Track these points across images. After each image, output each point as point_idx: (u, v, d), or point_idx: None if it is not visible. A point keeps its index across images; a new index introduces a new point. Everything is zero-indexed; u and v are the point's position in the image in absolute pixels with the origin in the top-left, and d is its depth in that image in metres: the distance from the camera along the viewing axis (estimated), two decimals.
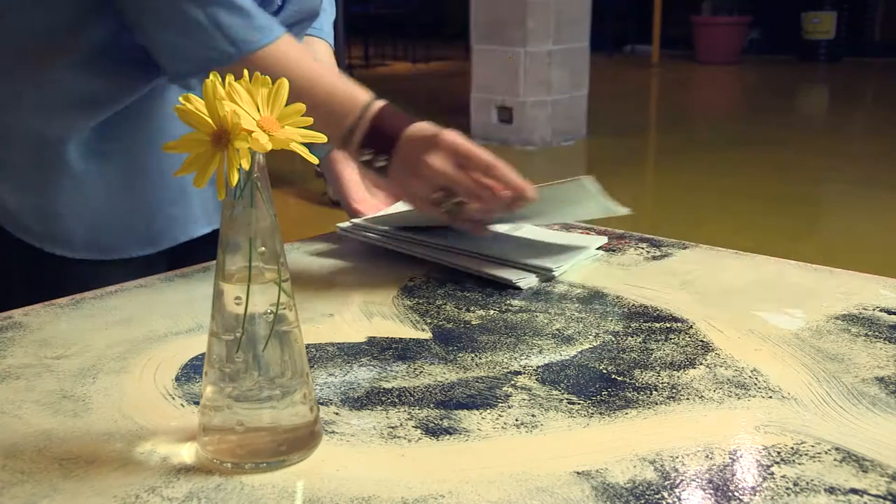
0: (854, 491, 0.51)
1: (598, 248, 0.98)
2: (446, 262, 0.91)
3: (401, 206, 1.02)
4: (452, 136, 0.85)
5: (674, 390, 0.64)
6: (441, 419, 0.60)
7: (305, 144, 0.53)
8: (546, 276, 0.89)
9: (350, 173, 1.04)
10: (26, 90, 0.88)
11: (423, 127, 0.87)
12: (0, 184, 0.91)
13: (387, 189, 0.96)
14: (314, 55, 1.07)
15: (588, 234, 1.03)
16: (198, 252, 0.98)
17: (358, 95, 0.88)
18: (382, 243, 0.95)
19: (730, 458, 0.55)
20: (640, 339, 0.74)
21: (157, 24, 0.84)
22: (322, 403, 0.63)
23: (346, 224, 0.99)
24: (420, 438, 0.58)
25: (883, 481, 0.52)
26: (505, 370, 0.68)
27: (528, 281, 0.87)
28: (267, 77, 0.53)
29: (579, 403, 0.62)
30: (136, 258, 0.94)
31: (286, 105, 0.53)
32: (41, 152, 0.89)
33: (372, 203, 1.04)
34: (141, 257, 0.94)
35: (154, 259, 0.95)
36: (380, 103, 0.88)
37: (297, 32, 1.00)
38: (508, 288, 0.87)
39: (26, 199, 0.91)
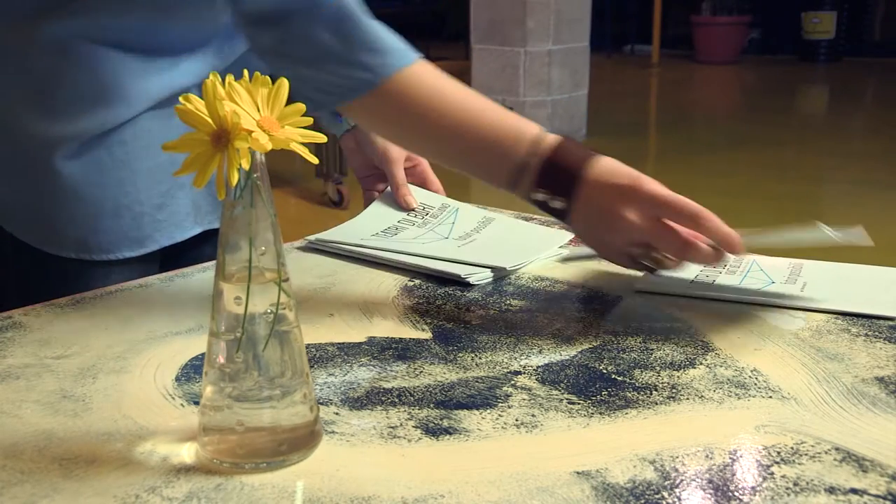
0: (854, 491, 0.51)
1: (561, 247, 0.98)
2: (400, 265, 0.92)
3: (372, 212, 1.04)
4: (650, 186, 0.76)
5: (674, 390, 0.64)
6: (441, 419, 0.60)
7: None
8: (501, 273, 0.90)
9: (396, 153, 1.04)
10: (24, 86, 0.88)
11: (611, 169, 0.78)
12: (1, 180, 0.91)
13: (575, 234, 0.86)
14: None
15: (552, 227, 1.03)
16: (190, 251, 0.98)
17: (526, 126, 0.80)
18: (348, 252, 0.96)
19: (730, 458, 0.55)
20: (640, 339, 0.74)
21: (303, 57, 0.80)
22: (322, 403, 0.63)
23: (313, 237, 1.00)
24: (420, 438, 0.58)
25: (883, 481, 0.52)
26: (505, 370, 0.68)
27: (479, 276, 0.88)
28: (267, 77, 0.53)
29: (579, 403, 0.62)
30: (127, 259, 0.94)
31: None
32: (29, 152, 0.89)
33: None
34: (132, 258, 0.94)
35: (146, 259, 0.95)
36: (554, 136, 0.80)
37: None
38: (505, 287, 0.87)
39: (20, 196, 0.91)
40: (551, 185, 0.79)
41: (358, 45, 0.80)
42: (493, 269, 0.90)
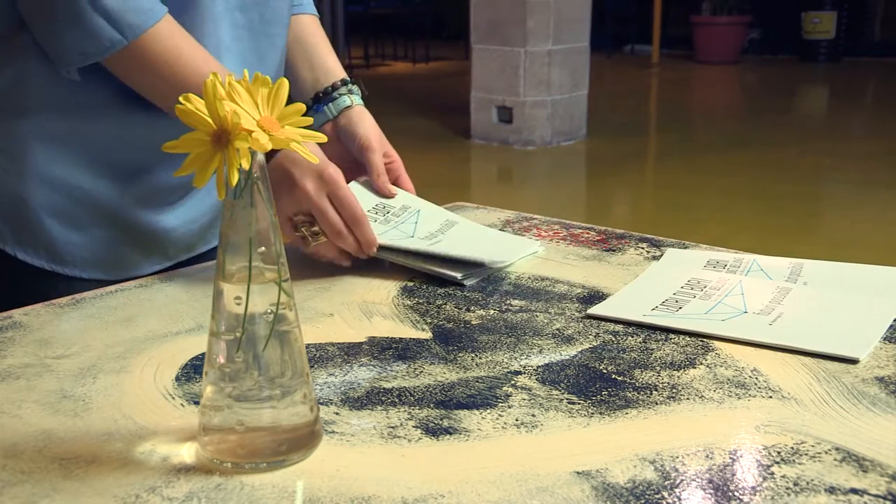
0: (854, 491, 0.51)
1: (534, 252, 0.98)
2: (392, 259, 0.92)
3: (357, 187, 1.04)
4: (335, 173, 0.87)
5: (674, 390, 0.64)
6: (441, 419, 0.60)
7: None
8: (478, 271, 0.90)
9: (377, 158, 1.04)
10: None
11: (311, 149, 0.86)
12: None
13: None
14: (302, 32, 1.07)
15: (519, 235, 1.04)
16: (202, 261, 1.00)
17: None
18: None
19: (730, 458, 0.55)
20: (640, 339, 0.74)
21: (42, 14, 0.83)
22: (322, 403, 0.63)
23: None
24: (420, 438, 0.58)
25: (883, 481, 0.52)
26: (505, 370, 0.68)
27: (474, 276, 0.88)
28: (267, 77, 0.53)
29: (579, 403, 0.62)
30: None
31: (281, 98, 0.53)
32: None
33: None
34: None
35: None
36: None
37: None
38: (505, 287, 0.87)
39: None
40: None
41: (109, 6, 0.82)
42: (472, 262, 0.89)
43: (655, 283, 0.86)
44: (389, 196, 1.03)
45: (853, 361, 0.68)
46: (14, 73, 0.87)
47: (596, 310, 0.80)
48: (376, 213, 1.02)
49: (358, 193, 1.03)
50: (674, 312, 0.79)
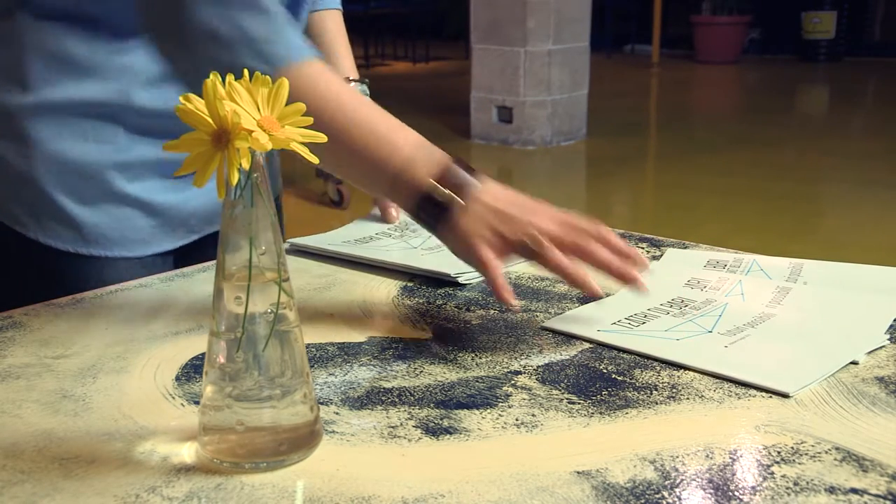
0: (854, 491, 0.51)
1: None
2: (388, 265, 0.92)
3: (356, 224, 1.06)
4: (546, 209, 0.76)
5: (674, 390, 0.64)
6: (441, 419, 0.60)
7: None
8: (448, 279, 0.88)
9: None
10: None
11: (500, 186, 0.78)
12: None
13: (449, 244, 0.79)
14: (323, 30, 1.07)
15: None
16: (201, 250, 0.99)
17: (413, 135, 0.78)
18: (331, 254, 0.96)
19: (730, 458, 0.55)
20: None
21: (178, 43, 0.78)
22: (322, 403, 0.63)
23: (297, 240, 1.00)
24: (420, 438, 0.58)
25: (883, 481, 0.52)
26: (505, 370, 0.68)
27: (469, 276, 0.88)
28: (267, 77, 0.53)
29: (579, 403, 0.62)
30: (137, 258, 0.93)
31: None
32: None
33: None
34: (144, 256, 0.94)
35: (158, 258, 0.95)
36: (439, 152, 0.78)
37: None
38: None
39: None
40: (446, 178, 0.76)
41: (256, 35, 0.76)
42: (440, 274, 0.89)
43: (655, 283, 0.86)
44: (390, 221, 1.06)
45: (853, 362, 0.68)
46: (11, 51, 0.86)
47: (551, 323, 0.77)
48: (394, 228, 1.04)
49: (366, 223, 1.06)
50: (632, 329, 0.75)
